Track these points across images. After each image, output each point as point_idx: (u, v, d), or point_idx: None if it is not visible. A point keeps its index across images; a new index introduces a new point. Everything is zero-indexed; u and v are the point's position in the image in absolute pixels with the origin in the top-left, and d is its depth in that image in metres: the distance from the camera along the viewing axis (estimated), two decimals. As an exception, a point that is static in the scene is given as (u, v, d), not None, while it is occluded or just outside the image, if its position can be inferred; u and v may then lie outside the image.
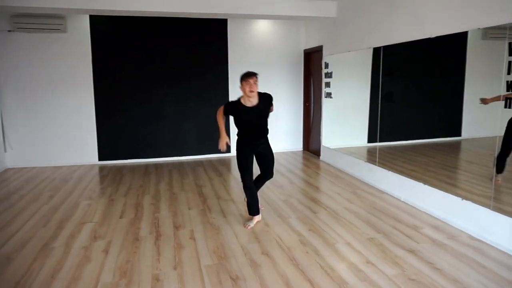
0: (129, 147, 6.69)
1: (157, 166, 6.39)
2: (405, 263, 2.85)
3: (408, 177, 4.34)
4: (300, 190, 4.84)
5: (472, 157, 5.49)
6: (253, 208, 3.68)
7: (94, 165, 6.51)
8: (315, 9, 5.82)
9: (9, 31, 5.96)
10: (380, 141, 5.36)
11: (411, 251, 3.05)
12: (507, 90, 3.10)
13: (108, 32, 6.38)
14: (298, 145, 7.57)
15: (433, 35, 3.85)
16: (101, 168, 6.25)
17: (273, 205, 4.26)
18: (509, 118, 3.18)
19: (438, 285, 2.55)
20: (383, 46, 4.76)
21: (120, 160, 6.68)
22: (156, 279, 2.68)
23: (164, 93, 6.71)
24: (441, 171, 4.86)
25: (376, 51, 5.16)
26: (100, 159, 6.60)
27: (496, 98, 3.40)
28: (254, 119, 3.58)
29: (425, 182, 4.08)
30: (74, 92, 6.36)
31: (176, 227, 3.64)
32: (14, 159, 6.28)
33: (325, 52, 6.36)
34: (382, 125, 5.27)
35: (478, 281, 2.59)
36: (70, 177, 5.65)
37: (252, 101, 3.51)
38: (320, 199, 4.44)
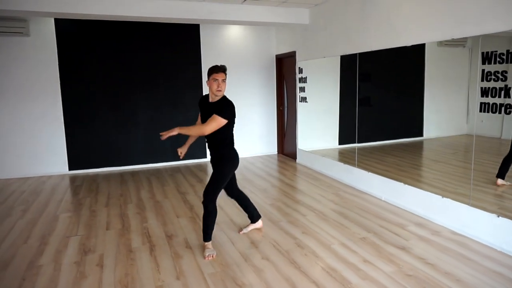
0: (102, 155, 6.46)
1: (133, 173, 6.21)
2: (399, 260, 3.01)
3: (386, 178, 4.55)
4: (284, 194, 4.93)
5: (437, 156, 5.87)
6: (250, 215, 3.67)
7: (64, 174, 6.21)
8: (288, 16, 5.96)
9: (-34, 34, 5.56)
10: (353, 142, 5.60)
11: (402, 248, 3.22)
12: (481, 96, 3.36)
13: (76, 36, 6.13)
14: (273, 149, 7.66)
15: (409, 44, 4.08)
16: (73, 178, 5.98)
17: (261, 209, 4.29)
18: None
19: (434, 279, 2.71)
20: (357, 53, 4.98)
21: (93, 168, 6.42)
22: (161, 290, 2.64)
23: (137, 98, 6.55)
24: (412, 170, 5.16)
25: (343, 58, 5.42)
26: (70, 169, 6.31)
27: None
28: (205, 119, 3.20)
29: (404, 182, 4.31)
30: (40, 98, 6.04)
31: (169, 236, 3.58)
32: (-26, 171, 5.86)
33: (298, 57, 6.51)
34: (354, 127, 5.51)
35: (467, 273, 2.79)
36: (41, 189, 5.36)
37: (215, 99, 3.22)
38: (306, 202, 4.54)
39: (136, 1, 5.09)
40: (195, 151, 6.98)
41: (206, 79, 3.26)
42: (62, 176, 6.12)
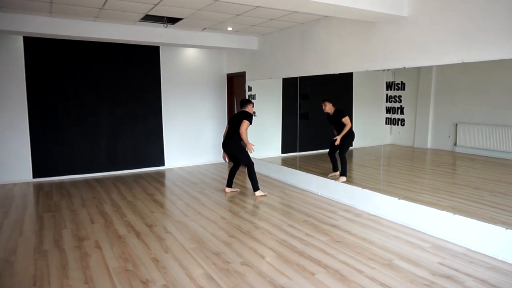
0: (66, 163, 6.89)
1: (98, 180, 6.74)
2: (331, 233, 4.07)
3: (321, 177, 5.69)
4: (239, 193, 5.84)
5: (363, 161, 7.21)
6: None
7: (29, 182, 6.56)
8: (240, 42, 7.00)
9: None
10: (294, 151, 6.72)
11: (334, 226, 4.30)
12: (386, 112, 4.60)
13: (43, 52, 6.58)
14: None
15: (337, 72, 5.29)
16: (39, 185, 6.37)
17: (222, 205, 5.18)
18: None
19: (355, 242, 3.80)
20: (298, 77, 6.13)
21: (57, 176, 6.83)
22: (155, 260, 3.41)
23: (100, 111, 7.11)
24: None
25: (285, 79, 6.58)
26: (34, 177, 6.66)
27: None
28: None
29: (335, 180, 5.46)
30: (6, 109, 6.37)
31: (149, 226, 4.33)
32: None
33: (248, 77, 7.55)
34: (294, 138, 6.63)
35: (378, 238, 3.92)
36: (12, 195, 5.73)
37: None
38: (259, 198, 5.51)
39: (104, 25, 5.80)
40: (155, 159, 7.67)
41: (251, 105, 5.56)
42: (27, 184, 6.47)
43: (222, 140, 5.76)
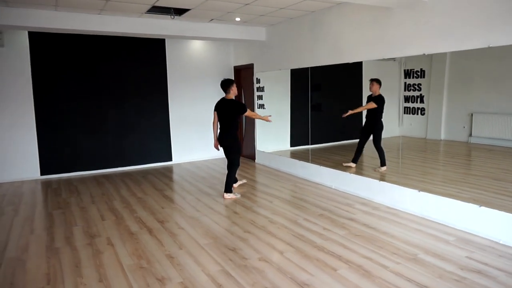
0: (73, 160, 6.79)
1: (106, 176, 6.64)
2: (350, 227, 3.94)
3: (335, 170, 5.54)
4: (251, 187, 5.72)
5: (375, 153, 7.01)
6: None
7: (37, 179, 6.47)
8: (247, 33, 6.84)
9: None
10: (303, 144, 6.57)
11: (351, 219, 4.16)
12: (405, 102, 4.45)
13: (49, 47, 6.46)
14: (232, 151, 8.41)
15: (351, 61, 5.12)
16: (48, 182, 6.28)
17: (236, 199, 5.06)
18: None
19: (375, 236, 3.66)
20: (309, 67, 5.97)
21: (65, 173, 6.73)
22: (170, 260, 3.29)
23: (106, 106, 6.99)
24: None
25: (293, 70, 6.41)
26: (42, 174, 6.57)
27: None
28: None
29: (349, 172, 5.32)
30: (12, 106, 6.27)
31: (161, 222, 4.21)
32: None
33: (256, 69, 7.39)
34: (304, 131, 6.48)
35: (400, 232, 3.78)
36: (21, 192, 5.64)
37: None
38: (271, 192, 5.38)
39: (110, 18, 5.65)
40: (163, 154, 7.56)
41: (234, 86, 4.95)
42: (36, 181, 6.38)
43: (212, 129, 5.43)
